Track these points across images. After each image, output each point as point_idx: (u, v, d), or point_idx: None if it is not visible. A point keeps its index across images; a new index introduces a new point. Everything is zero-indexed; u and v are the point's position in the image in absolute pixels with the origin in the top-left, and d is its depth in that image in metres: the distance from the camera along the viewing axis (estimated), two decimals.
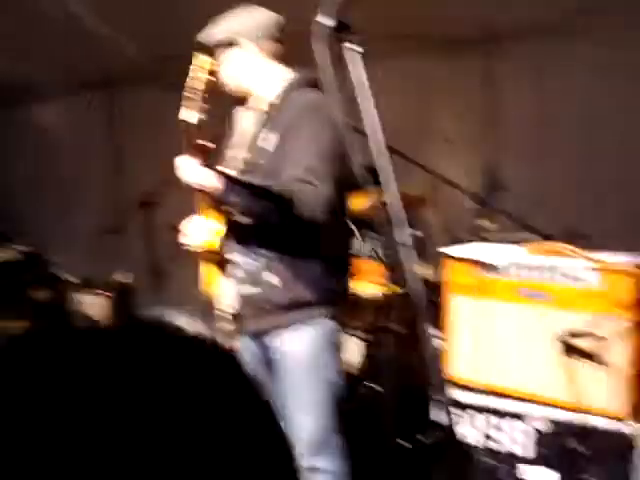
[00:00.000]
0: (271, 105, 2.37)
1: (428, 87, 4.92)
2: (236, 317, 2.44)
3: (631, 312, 2.56)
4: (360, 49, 1.44)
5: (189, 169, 2.24)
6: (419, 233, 3.81)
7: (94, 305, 4.79)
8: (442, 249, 3.03)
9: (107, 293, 4.80)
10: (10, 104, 6.48)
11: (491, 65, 4.76)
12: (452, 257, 2.98)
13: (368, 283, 3.87)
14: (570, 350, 2.65)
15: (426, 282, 3.76)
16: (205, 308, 2.62)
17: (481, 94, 4.79)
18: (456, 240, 3.54)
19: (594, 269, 2.65)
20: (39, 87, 6.09)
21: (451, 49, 4.67)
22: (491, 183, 4.21)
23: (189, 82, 2.20)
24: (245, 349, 2.51)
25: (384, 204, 1.57)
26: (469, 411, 2.90)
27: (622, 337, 2.56)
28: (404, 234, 1.49)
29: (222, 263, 2.45)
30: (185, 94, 2.19)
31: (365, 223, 3.89)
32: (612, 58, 3.99)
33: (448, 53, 4.73)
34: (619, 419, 2.57)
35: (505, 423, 2.82)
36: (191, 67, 2.21)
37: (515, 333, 2.81)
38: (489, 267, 2.87)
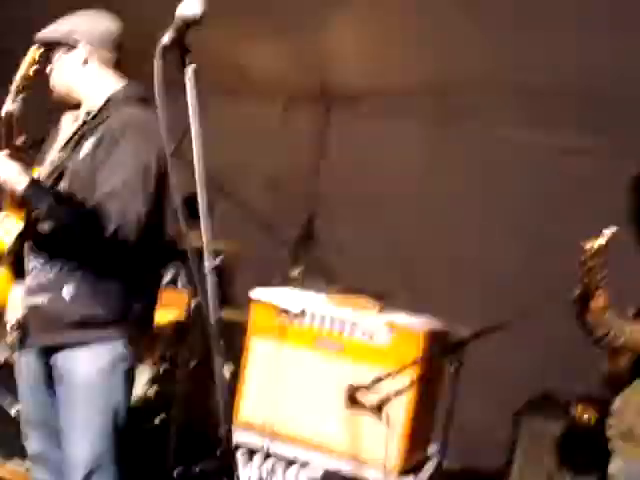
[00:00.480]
0: (92, 112, 2.27)
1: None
2: (21, 328, 2.29)
3: (415, 369, 2.72)
4: (193, 71, 1.44)
5: None
6: (219, 262, 3.75)
7: None
8: (249, 291, 3.06)
9: None
10: None
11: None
12: (255, 299, 3.02)
13: (165, 312, 3.79)
14: (354, 403, 2.76)
15: (231, 322, 3.77)
16: None
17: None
18: (266, 284, 3.59)
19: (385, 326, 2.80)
20: None
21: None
22: (304, 233, 4.34)
23: (16, 76, 2.09)
24: (25, 363, 2.35)
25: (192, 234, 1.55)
26: (251, 452, 2.91)
27: (403, 393, 2.70)
28: (209, 266, 1.48)
29: (14, 267, 2.30)
30: (11, 87, 2.10)
31: (170, 250, 3.81)
32: None
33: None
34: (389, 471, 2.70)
35: (283, 467, 2.86)
36: (22, 61, 2.10)
37: (306, 381, 2.88)
38: (288, 312, 2.94)
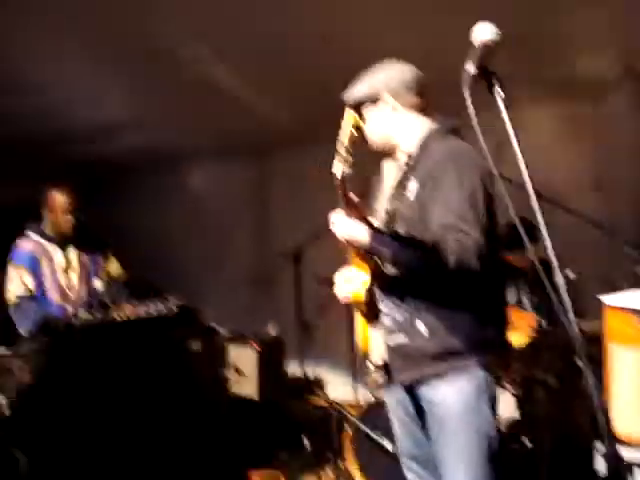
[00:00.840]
0: (411, 155, 2.39)
1: (577, 131, 4.82)
2: (386, 368, 2.43)
3: None
4: (502, 94, 1.45)
5: (338, 222, 2.29)
6: (572, 275, 3.64)
7: (244, 357, 4.92)
8: (601, 297, 2.88)
9: (256, 345, 4.92)
10: (169, 165, 6.95)
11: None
12: (611, 306, 2.84)
13: (516, 333, 3.76)
14: None
15: (582, 332, 3.61)
16: (356, 360, 2.63)
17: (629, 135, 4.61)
18: (614, 288, 3.39)
19: None
20: (195, 151, 6.50)
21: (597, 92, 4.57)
22: None
23: (340, 137, 2.24)
24: (395, 400, 2.49)
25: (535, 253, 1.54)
26: (634, 468, 2.71)
27: None
28: (559, 279, 1.45)
29: (370, 314, 2.45)
30: (337, 149, 2.24)
31: (513, 271, 3.80)
32: None
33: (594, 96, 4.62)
34: None
35: None
36: (342, 123, 2.24)
37: None
38: None
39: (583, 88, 4.60)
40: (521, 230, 1.51)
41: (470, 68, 1.44)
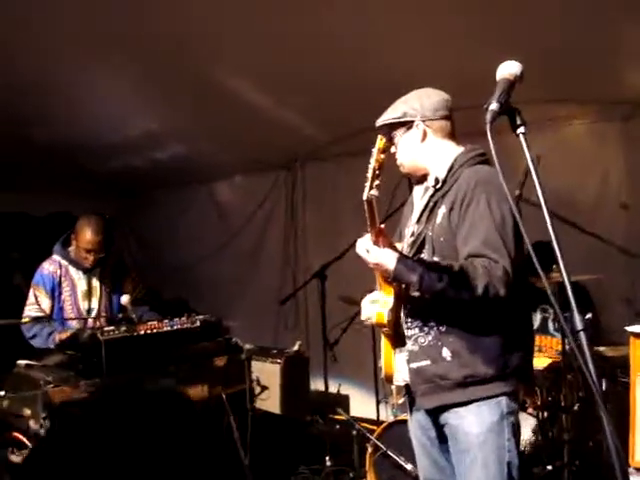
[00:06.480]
0: (440, 180, 2.40)
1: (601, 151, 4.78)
2: (408, 390, 2.44)
3: None
4: (523, 130, 1.48)
5: (365, 247, 2.29)
6: (589, 316, 3.65)
7: (267, 372, 4.94)
8: (627, 328, 2.85)
9: (279, 360, 4.93)
10: (196, 182, 7.00)
11: None
12: (636, 333, 2.81)
13: (539, 357, 3.75)
14: None
15: (606, 359, 3.59)
16: (379, 379, 2.63)
17: None
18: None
19: None
20: (224, 167, 6.55)
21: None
22: None
23: (370, 164, 2.23)
24: (416, 423, 2.50)
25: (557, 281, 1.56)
26: None
27: None
28: (575, 314, 1.47)
29: (394, 336, 2.45)
30: (367, 175, 2.22)
31: (538, 294, 3.80)
32: None
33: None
34: None
35: None
36: (373, 150, 2.25)
37: None
38: None
39: (614, 106, 4.55)
40: (534, 258, 1.52)
41: (493, 105, 1.48)
